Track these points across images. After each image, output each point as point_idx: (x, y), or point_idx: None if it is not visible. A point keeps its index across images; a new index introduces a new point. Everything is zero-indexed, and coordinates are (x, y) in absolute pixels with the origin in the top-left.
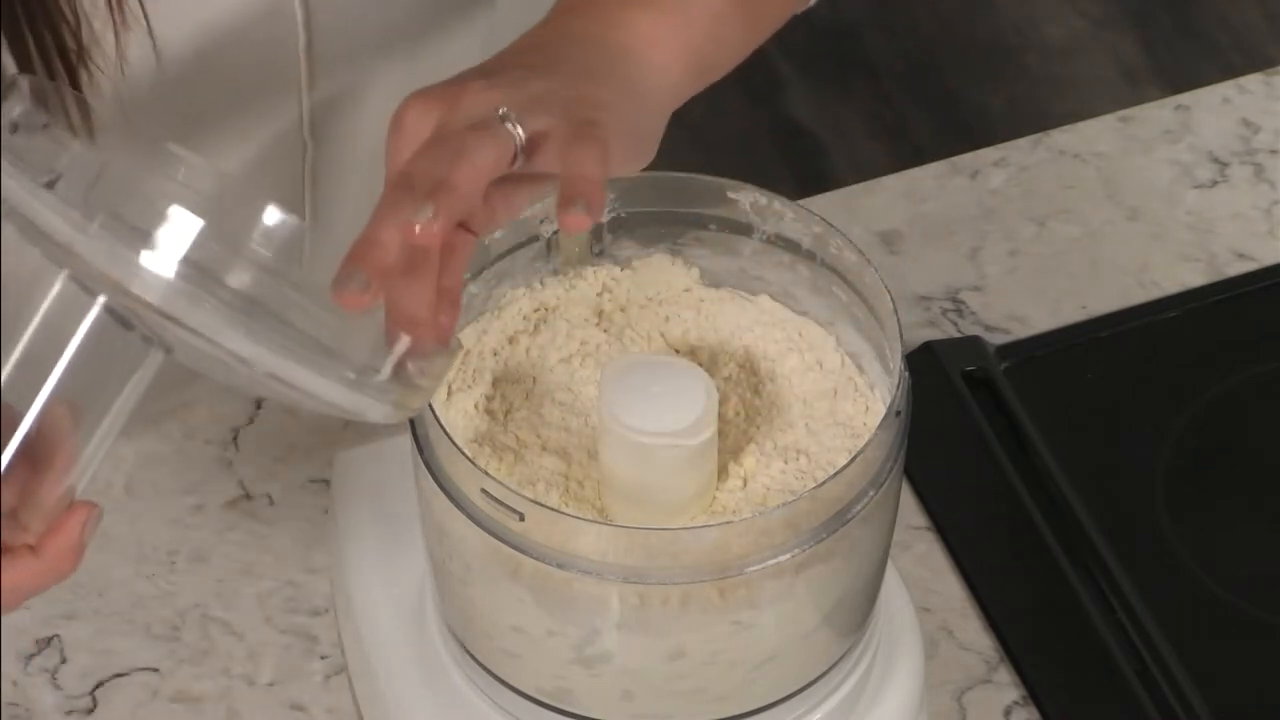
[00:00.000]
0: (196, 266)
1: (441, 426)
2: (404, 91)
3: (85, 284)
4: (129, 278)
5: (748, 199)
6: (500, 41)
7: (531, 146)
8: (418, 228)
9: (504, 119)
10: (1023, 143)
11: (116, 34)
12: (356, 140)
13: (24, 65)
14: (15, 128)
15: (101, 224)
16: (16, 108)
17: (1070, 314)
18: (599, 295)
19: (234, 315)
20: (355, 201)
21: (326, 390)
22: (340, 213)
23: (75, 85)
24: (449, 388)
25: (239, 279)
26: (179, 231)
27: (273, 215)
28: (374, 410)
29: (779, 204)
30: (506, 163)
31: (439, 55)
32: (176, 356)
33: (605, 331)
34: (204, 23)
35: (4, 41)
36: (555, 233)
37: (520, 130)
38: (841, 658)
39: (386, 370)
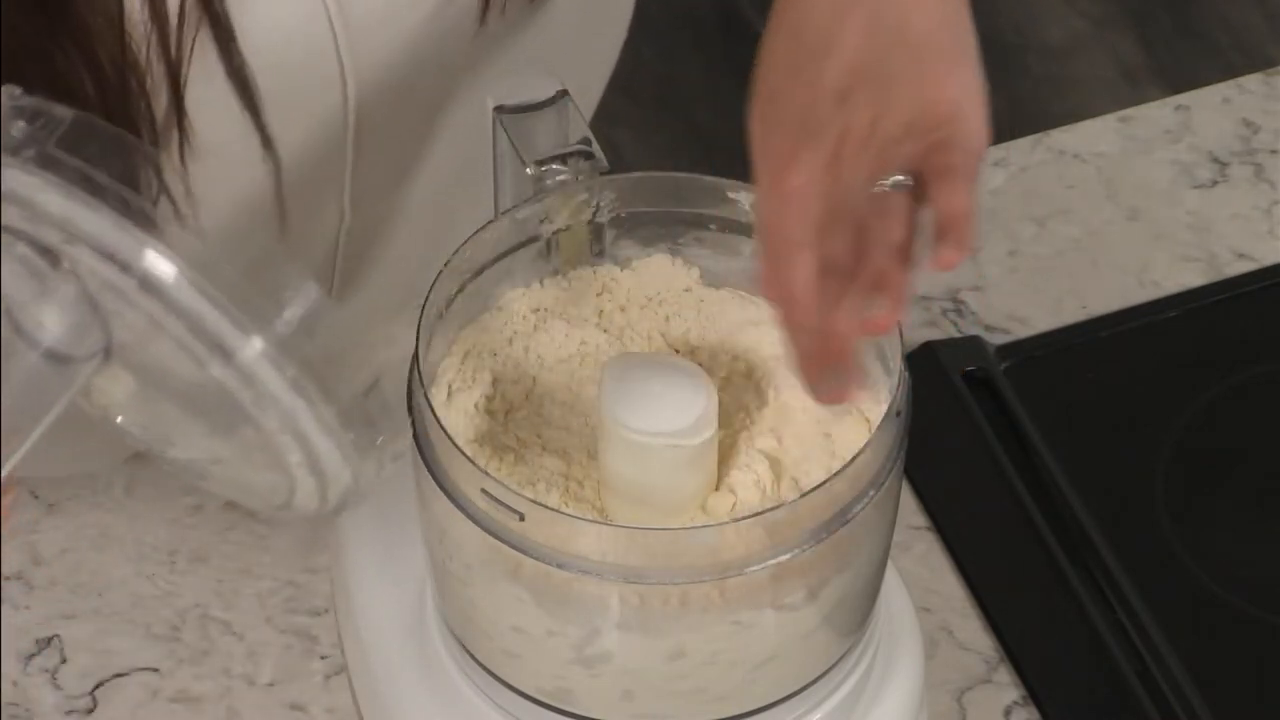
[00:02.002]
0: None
1: (441, 426)
2: (437, 167)
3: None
4: (139, 253)
5: (748, 199)
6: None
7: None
8: (879, 319)
9: (892, 186)
10: (1023, 143)
11: (175, 77)
12: (394, 211)
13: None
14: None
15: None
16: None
17: (1070, 314)
18: (599, 295)
19: (250, 319)
20: (380, 269)
21: (303, 419)
22: (365, 280)
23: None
24: (449, 388)
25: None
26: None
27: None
28: (337, 468)
29: None
30: (911, 226)
31: (473, 131)
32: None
33: (605, 331)
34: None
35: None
36: (555, 232)
37: (905, 183)
38: (841, 658)
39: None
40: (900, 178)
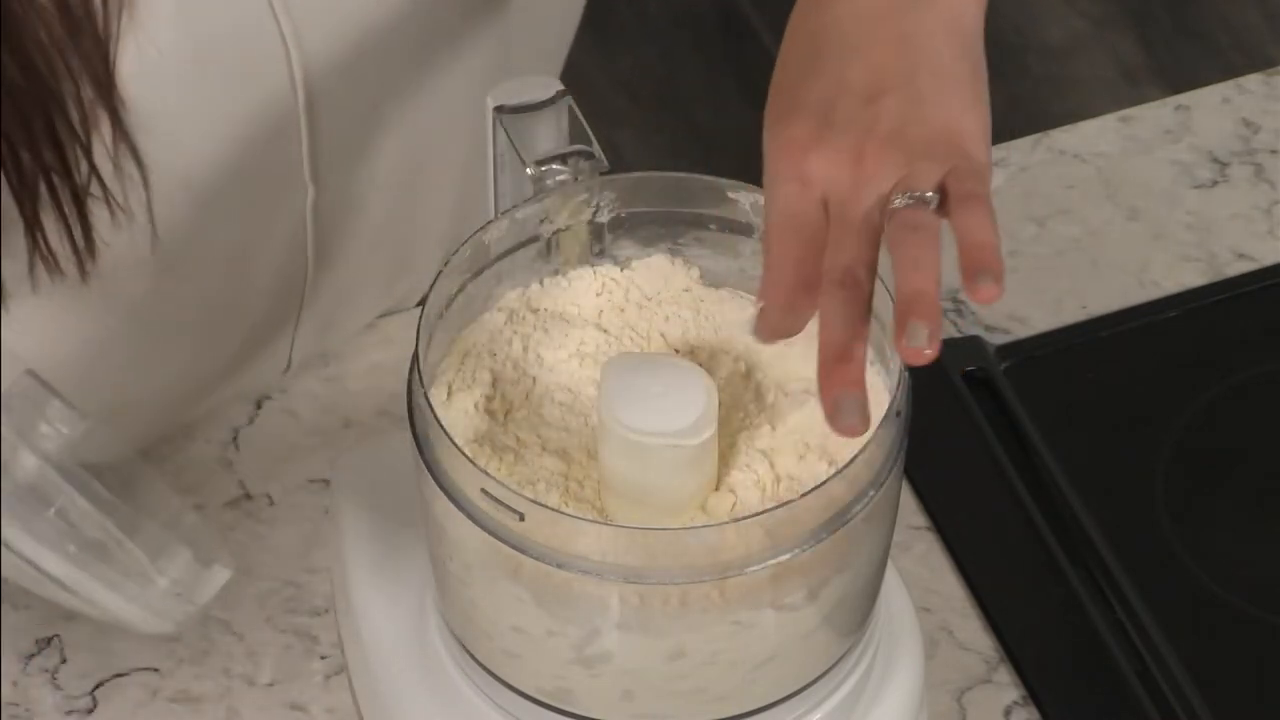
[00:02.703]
0: None
1: (441, 426)
2: (405, 136)
3: None
4: None
5: (748, 199)
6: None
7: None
8: (925, 351)
9: (915, 200)
10: (1023, 143)
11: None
12: (362, 184)
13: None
14: None
15: None
16: None
17: (1070, 314)
18: (599, 295)
19: (11, 504)
20: (360, 242)
21: (95, 594)
22: (343, 253)
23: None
24: (449, 388)
25: (20, 469)
26: None
27: (63, 412)
28: (138, 618)
29: None
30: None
31: (440, 100)
32: None
33: (605, 331)
34: (194, 77)
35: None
36: (555, 232)
37: (930, 199)
38: (841, 658)
39: (163, 580)
40: (930, 193)
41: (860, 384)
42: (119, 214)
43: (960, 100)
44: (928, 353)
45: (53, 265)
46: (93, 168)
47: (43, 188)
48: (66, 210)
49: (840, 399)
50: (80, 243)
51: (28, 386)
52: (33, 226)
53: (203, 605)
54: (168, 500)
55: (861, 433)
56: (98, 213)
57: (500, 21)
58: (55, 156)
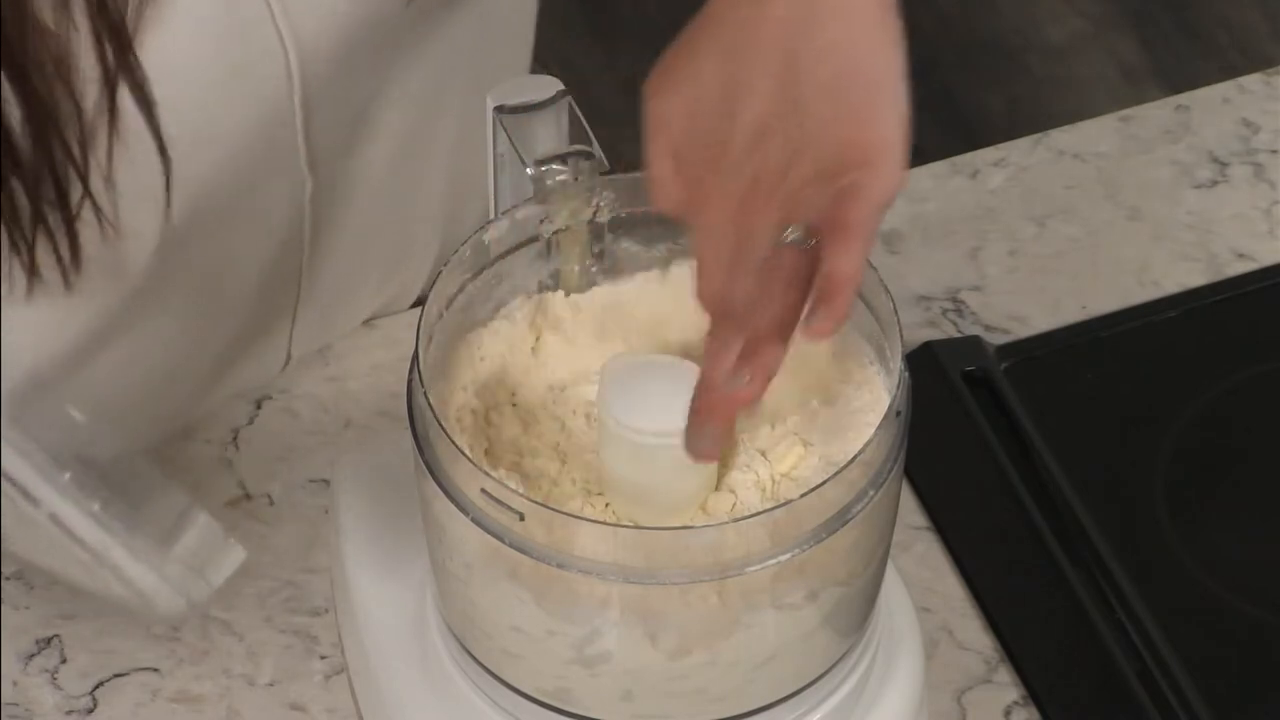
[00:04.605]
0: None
1: (441, 426)
2: (401, 127)
3: None
4: None
5: None
6: (491, 66)
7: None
8: (741, 393)
9: (793, 242)
10: (1023, 143)
11: (111, 79)
12: (356, 173)
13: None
14: None
15: None
16: None
17: (1070, 314)
18: (599, 295)
19: (47, 465)
20: (356, 232)
21: (114, 556)
22: (340, 244)
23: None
24: (450, 388)
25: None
26: None
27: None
28: (156, 590)
29: None
30: (798, 293)
31: (435, 91)
32: None
33: (605, 329)
34: (193, 65)
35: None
36: (555, 232)
37: (804, 243)
38: (841, 658)
39: (182, 548)
40: (797, 235)
41: (723, 421)
42: (108, 229)
43: (859, 111)
44: (714, 454)
45: (34, 274)
46: (87, 192)
47: (32, 216)
48: (55, 233)
49: (706, 428)
50: (66, 258)
51: (23, 387)
52: (19, 249)
53: (217, 584)
54: (174, 493)
55: (710, 458)
56: (86, 231)
57: (476, 8)
58: (51, 188)
